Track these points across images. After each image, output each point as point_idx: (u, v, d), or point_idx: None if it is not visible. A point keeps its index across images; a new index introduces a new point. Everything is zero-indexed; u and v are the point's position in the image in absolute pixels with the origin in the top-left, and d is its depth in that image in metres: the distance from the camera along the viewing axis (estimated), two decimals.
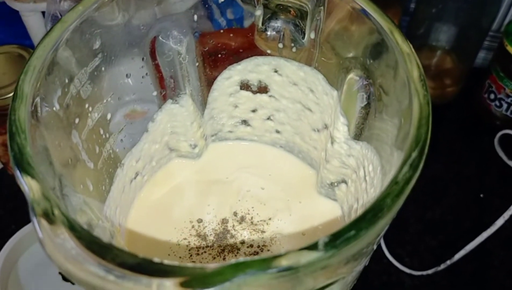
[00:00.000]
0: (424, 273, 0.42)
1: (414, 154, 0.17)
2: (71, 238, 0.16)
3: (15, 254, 0.40)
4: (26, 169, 0.18)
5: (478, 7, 0.49)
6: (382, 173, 0.24)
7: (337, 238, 0.16)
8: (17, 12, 0.44)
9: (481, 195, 0.49)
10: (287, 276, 0.16)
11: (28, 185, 0.17)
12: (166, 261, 0.16)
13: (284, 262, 0.16)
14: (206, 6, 0.30)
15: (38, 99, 0.20)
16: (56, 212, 0.17)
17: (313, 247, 0.16)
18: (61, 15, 0.41)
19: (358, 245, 0.17)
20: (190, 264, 0.16)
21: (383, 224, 0.17)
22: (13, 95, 0.20)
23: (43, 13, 0.43)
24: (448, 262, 0.41)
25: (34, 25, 0.45)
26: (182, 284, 0.15)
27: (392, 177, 0.17)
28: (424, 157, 0.18)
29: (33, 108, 0.20)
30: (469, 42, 0.53)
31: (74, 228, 0.17)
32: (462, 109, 0.56)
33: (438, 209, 0.48)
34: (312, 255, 0.16)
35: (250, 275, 0.16)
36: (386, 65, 0.23)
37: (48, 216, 0.16)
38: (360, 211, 0.26)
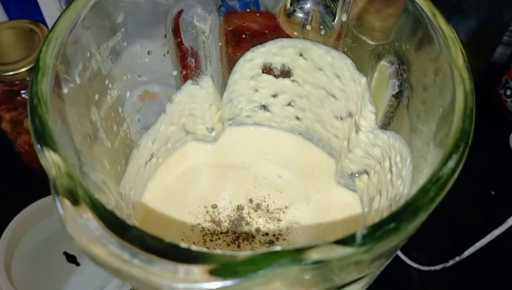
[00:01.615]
0: (432, 268, 0.42)
1: (461, 148, 0.17)
2: (94, 218, 0.16)
3: (19, 233, 0.39)
4: (48, 143, 0.17)
5: (501, 0, 0.47)
6: (412, 164, 0.23)
7: (376, 230, 0.15)
8: None
9: (492, 192, 0.48)
10: (319, 269, 0.15)
11: (50, 160, 0.17)
12: (194, 247, 0.15)
13: (315, 255, 0.15)
14: None
15: (59, 72, 0.19)
16: (80, 191, 0.16)
17: (350, 238, 0.15)
18: None
19: (397, 239, 0.16)
20: (219, 251, 0.15)
21: (423, 217, 0.16)
22: (34, 67, 0.19)
23: None
24: (457, 259, 0.40)
25: (47, 0, 0.44)
26: (211, 272, 0.15)
27: (434, 170, 0.16)
28: (467, 150, 0.17)
29: (54, 82, 0.19)
30: (488, 36, 0.52)
31: (97, 209, 0.16)
32: (477, 105, 0.54)
33: (448, 203, 0.46)
34: (348, 248, 0.15)
35: (283, 266, 0.15)
36: (425, 51, 0.21)
37: (72, 196, 0.16)
38: (384, 203, 0.26)
